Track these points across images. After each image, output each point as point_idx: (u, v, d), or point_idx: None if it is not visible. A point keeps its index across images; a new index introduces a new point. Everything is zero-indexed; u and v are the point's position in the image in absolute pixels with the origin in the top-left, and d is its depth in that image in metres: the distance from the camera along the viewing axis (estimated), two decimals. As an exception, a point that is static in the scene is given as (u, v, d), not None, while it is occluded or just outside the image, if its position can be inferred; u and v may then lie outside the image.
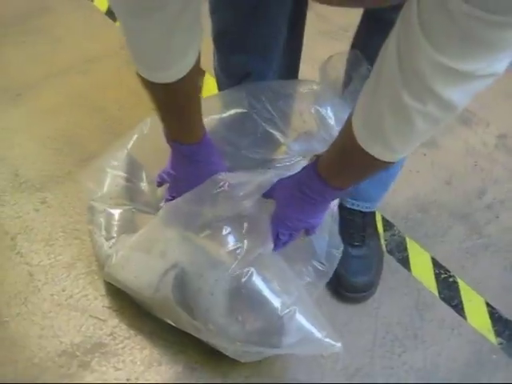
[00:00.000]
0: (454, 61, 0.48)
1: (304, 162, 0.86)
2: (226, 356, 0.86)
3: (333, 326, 0.91)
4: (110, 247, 0.90)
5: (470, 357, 0.96)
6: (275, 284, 0.81)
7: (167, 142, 0.83)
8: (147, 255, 0.87)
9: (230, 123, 0.89)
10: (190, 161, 0.83)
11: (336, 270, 0.94)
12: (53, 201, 1.11)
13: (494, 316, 1.02)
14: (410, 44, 0.50)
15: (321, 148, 0.90)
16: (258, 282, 0.80)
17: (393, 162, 0.64)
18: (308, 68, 1.06)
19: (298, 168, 0.80)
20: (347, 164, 0.70)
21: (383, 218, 1.15)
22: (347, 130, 0.65)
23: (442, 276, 1.07)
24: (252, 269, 0.79)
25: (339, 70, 0.88)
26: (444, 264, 1.09)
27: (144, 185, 0.94)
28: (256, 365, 0.90)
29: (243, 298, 0.80)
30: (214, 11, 0.88)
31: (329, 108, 0.86)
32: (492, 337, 0.99)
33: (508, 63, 0.50)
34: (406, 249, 1.10)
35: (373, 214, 1.08)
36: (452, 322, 1.01)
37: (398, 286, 1.05)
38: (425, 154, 1.30)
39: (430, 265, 1.09)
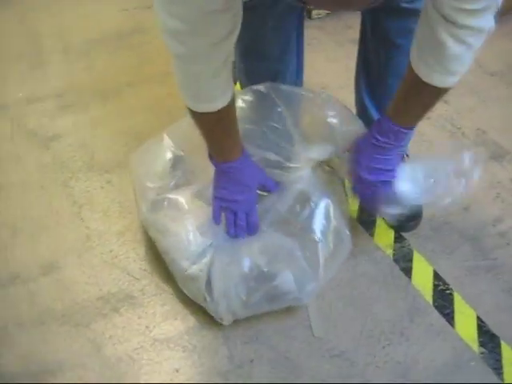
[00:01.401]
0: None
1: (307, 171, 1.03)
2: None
3: (328, 316, 1.08)
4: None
5: (450, 360, 1.05)
6: None
7: (213, 164, 1.01)
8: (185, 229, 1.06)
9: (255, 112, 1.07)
10: (235, 177, 1.00)
11: None
12: (116, 182, 1.35)
13: (482, 329, 1.09)
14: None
15: (327, 155, 1.06)
16: None
17: (447, 89, 0.87)
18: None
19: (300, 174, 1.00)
20: (410, 99, 0.92)
21: (396, 232, 1.27)
22: (408, 72, 0.88)
23: (440, 287, 1.16)
24: None
25: None
26: (444, 277, 1.18)
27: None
28: (253, 332, 1.06)
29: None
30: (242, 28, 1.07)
31: (337, 118, 1.01)
32: (475, 346, 1.07)
33: None
34: (411, 260, 1.21)
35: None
36: (440, 327, 1.10)
37: (396, 290, 1.16)
38: (449, 182, 1.39)
39: (431, 276, 1.18)
